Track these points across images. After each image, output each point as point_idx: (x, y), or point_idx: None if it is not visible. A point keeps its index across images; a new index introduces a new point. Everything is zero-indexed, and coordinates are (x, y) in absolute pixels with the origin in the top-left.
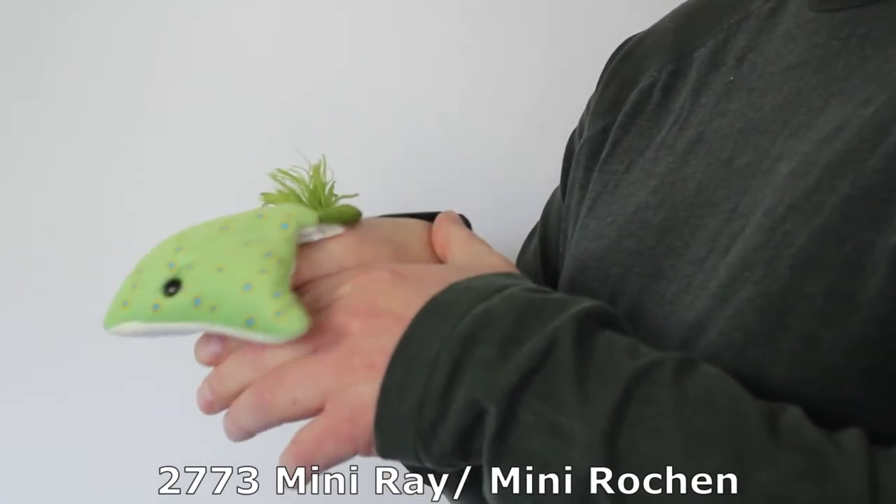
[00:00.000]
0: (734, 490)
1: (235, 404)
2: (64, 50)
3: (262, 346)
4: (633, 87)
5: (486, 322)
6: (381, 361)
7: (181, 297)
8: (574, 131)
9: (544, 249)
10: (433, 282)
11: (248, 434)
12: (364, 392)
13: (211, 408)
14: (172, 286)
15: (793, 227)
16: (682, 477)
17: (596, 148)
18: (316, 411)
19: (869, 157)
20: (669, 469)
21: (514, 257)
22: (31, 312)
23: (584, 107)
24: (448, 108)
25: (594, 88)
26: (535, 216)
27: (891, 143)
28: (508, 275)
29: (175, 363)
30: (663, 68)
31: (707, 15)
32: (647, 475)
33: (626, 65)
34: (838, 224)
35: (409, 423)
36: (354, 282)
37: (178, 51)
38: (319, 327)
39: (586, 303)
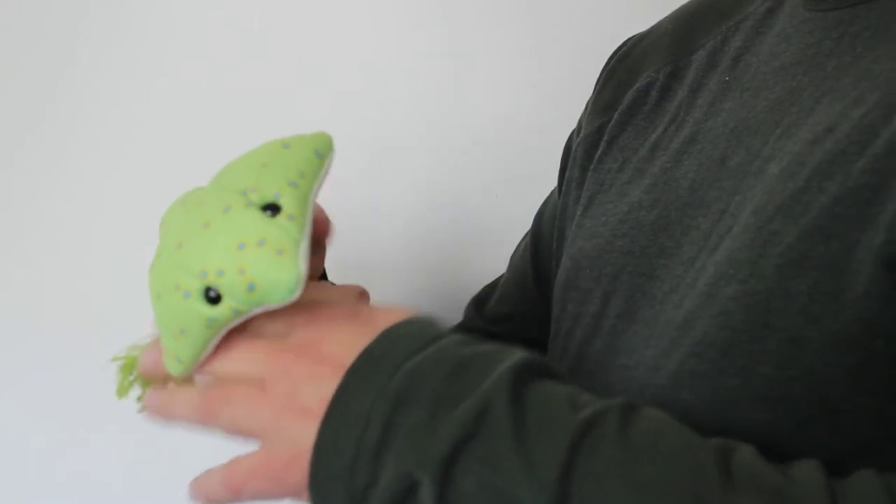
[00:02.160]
0: None
1: (178, 393)
2: (64, 50)
3: (221, 351)
4: (630, 87)
5: (417, 380)
6: (319, 410)
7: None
8: (573, 131)
9: (536, 246)
10: (377, 325)
11: (170, 421)
12: (301, 439)
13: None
14: (212, 292)
15: (780, 226)
16: None
17: (591, 147)
18: (251, 437)
19: (857, 158)
20: None
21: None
22: (30, 312)
23: (582, 108)
24: (448, 107)
25: (592, 90)
26: (532, 217)
27: (879, 145)
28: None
29: None
30: (661, 69)
31: (707, 17)
32: None
33: (623, 65)
34: (825, 224)
35: (342, 482)
36: (308, 317)
37: (176, 51)
38: (271, 355)
39: (518, 355)
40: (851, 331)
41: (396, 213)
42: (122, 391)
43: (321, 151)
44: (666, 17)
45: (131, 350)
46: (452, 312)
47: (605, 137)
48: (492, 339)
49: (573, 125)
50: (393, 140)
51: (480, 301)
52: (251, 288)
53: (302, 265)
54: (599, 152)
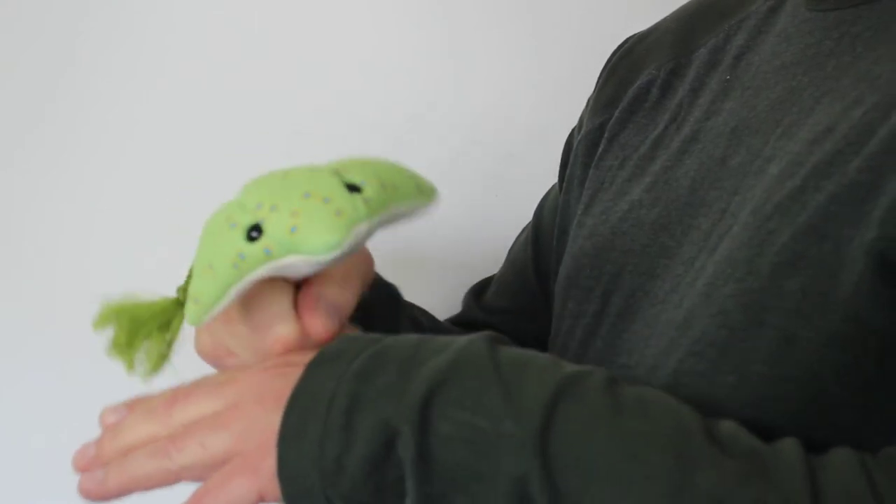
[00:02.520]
0: (675, 490)
1: (131, 453)
2: (64, 50)
3: (172, 400)
4: (631, 85)
5: (381, 357)
6: (284, 398)
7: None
8: (574, 128)
9: (536, 238)
10: None
11: (127, 490)
12: (270, 426)
13: (91, 468)
14: (255, 231)
15: (777, 225)
16: (620, 477)
17: (593, 144)
18: (224, 460)
19: (854, 157)
20: (607, 469)
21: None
22: (32, 312)
23: (582, 108)
24: (448, 107)
25: (593, 88)
26: (531, 217)
27: (875, 143)
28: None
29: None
30: (663, 67)
31: (709, 16)
32: (583, 476)
33: (624, 63)
34: (820, 222)
35: (312, 462)
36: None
37: (176, 51)
38: (229, 382)
39: (485, 333)
40: (843, 329)
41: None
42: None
43: (422, 189)
44: (668, 16)
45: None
46: (452, 312)
47: (606, 135)
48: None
49: (573, 125)
50: (393, 140)
51: (478, 291)
52: (293, 230)
53: (351, 238)
54: (600, 150)
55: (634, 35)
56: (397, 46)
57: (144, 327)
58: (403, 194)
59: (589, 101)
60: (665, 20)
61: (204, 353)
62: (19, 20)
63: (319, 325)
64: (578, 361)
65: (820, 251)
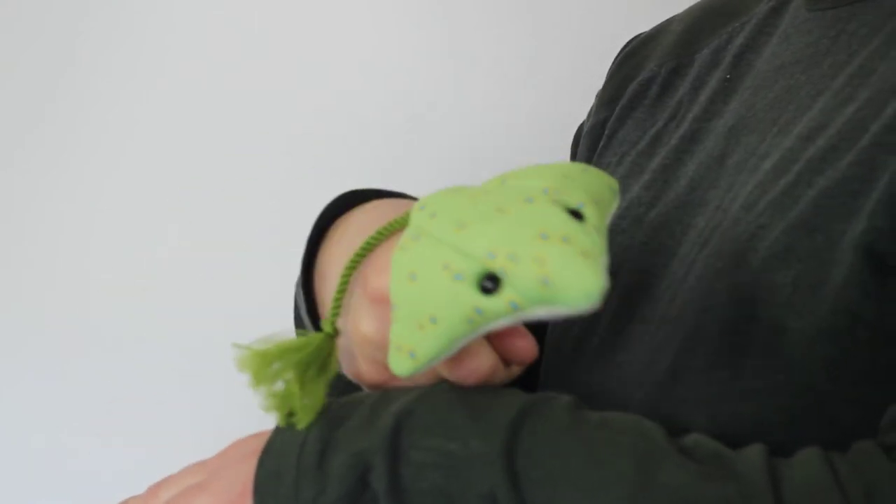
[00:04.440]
0: (638, 491)
1: None
2: (64, 50)
3: (160, 484)
4: (632, 83)
5: (352, 404)
6: (258, 452)
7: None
8: (583, 122)
9: None
10: None
11: None
12: (250, 471)
13: None
14: (489, 281)
15: (769, 220)
16: (585, 483)
17: (594, 141)
18: None
19: (847, 153)
20: (572, 477)
21: None
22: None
23: (582, 108)
24: (448, 107)
25: (597, 88)
26: None
27: (867, 139)
28: None
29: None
30: (664, 65)
31: (714, 18)
32: (549, 486)
33: (630, 61)
34: (811, 216)
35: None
36: None
37: (176, 51)
38: (222, 454)
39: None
40: (832, 322)
41: None
42: (260, 381)
43: (613, 188)
44: (675, 17)
45: (264, 344)
46: None
47: (607, 132)
48: None
49: (573, 125)
50: (392, 140)
51: None
52: (545, 282)
53: (606, 278)
54: (601, 146)
55: (641, 34)
56: (397, 46)
57: (309, 371)
58: (607, 203)
59: (597, 95)
60: (672, 21)
61: (365, 377)
62: (19, 20)
63: (529, 345)
64: (575, 359)
65: (811, 245)
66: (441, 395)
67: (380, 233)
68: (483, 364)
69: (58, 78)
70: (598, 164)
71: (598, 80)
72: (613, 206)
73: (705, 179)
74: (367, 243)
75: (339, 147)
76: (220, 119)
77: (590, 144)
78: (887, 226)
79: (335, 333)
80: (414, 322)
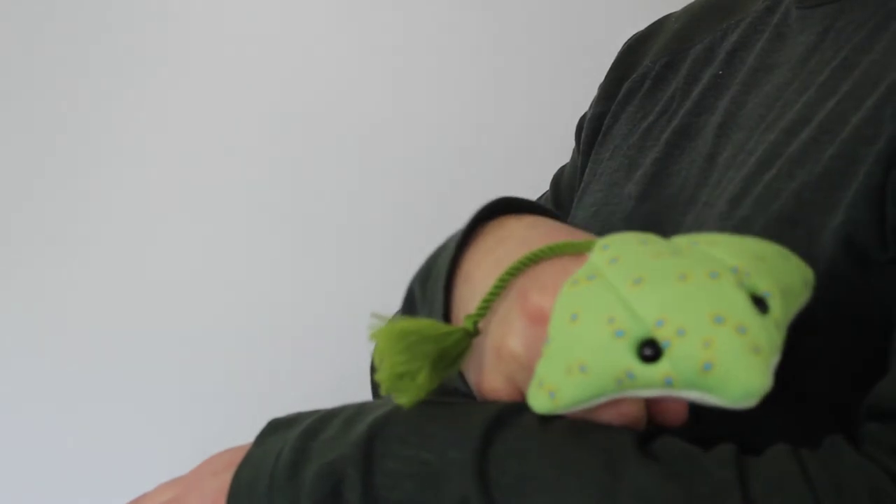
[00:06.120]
0: (606, 493)
1: None
2: (64, 50)
3: (139, 499)
4: (627, 80)
5: (328, 418)
6: (234, 465)
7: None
8: (584, 113)
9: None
10: None
11: None
12: (225, 482)
13: None
14: (649, 348)
15: (751, 213)
16: (553, 487)
17: (591, 136)
18: None
19: (828, 146)
20: (541, 481)
21: None
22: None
23: (581, 107)
24: (447, 108)
25: (598, 87)
26: None
27: (848, 131)
28: None
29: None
30: (658, 60)
31: (710, 16)
32: (520, 491)
33: (628, 58)
34: (793, 210)
35: None
36: None
37: (176, 51)
38: (198, 468)
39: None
40: (815, 315)
41: (397, 213)
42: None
43: (809, 284)
44: (673, 14)
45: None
46: None
47: (603, 128)
48: None
49: (572, 125)
50: (392, 140)
51: None
52: (707, 367)
53: (771, 378)
54: (597, 142)
55: (642, 31)
56: (398, 47)
57: (443, 361)
58: (796, 296)
59: (599, 86)
60: (669, 17)
61: (486, 388)
62: (19, 20)
63: (681, 409)
64: None
65: (793, 238)
66: (411, 409)
67: (551, 248)
68: (629, 412)
69: (58, 78)
70: (595, 161)
71: (597, 80)
72: (802, 301)
73: (696, 177)
74: (535, 254)
75: (339, 147)
76: (220, 119)
77: (589, 134)
78: (866, 217)
79: (475, 332)
80: (563, 363)
